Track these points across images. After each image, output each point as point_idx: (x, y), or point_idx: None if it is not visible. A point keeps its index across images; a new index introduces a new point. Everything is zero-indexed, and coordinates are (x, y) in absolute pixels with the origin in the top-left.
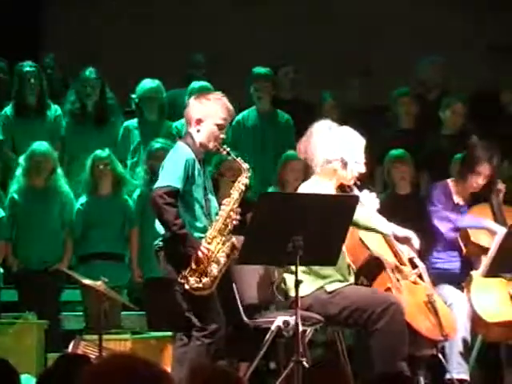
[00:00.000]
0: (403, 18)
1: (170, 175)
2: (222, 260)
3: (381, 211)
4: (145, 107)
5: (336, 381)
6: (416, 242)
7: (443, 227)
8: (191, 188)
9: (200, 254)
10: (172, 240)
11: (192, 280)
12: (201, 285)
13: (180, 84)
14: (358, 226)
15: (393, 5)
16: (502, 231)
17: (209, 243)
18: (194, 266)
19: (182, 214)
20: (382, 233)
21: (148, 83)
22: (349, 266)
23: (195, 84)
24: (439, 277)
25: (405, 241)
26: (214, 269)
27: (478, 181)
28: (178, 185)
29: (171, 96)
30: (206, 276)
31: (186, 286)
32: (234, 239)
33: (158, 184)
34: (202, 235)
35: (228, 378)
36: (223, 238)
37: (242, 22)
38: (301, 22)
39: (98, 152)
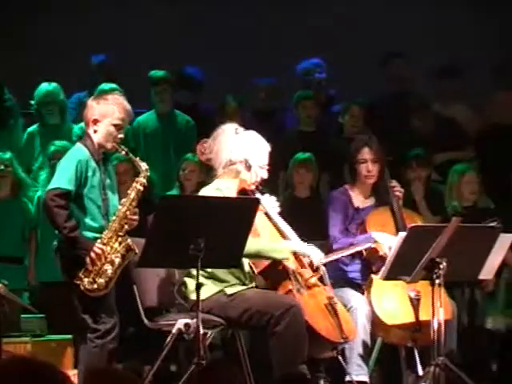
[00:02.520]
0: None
1: (61, 177)
2: (117, 261)
3: (280, 214)
4: (44, 111)
5: (226, 382)
6: (315, 258)
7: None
8: (85, 188)
9: (93, 254)
10: (65, 242)
11: (86, 281)
12: (95, 286)
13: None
14: (257, 257)
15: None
16: (401, 235)
17: (104, 244)
18: (88, 268)
19: (77, 214)
20: (280, 259)
21: (44, 87)
22: (250, 268)
23: (104, 86)
24: (339, 279)
25: (303, 258)
26: (109, 270)
27: (367, 168)
28: (69, 186)
29: (78, 99)
30: (101, 277)
31: (81, 287)
32: (129, 240)
33: (49, 186)
34: (98, 235)
35: (123, 380)
36: (119, 239)
37: (151, 23)
38: (200, 22)
39: None
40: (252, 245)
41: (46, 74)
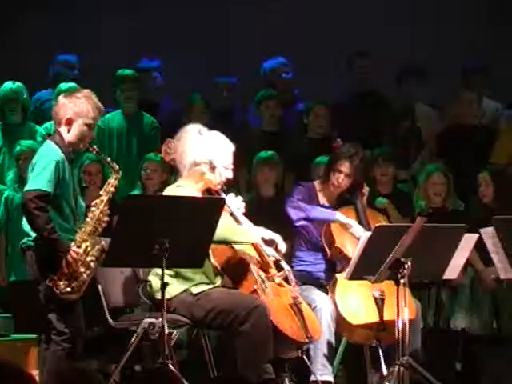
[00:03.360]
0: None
1: (41, 178)
2: (92, 264)
3: (245, 214)
4: (6, 109)
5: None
6: (282, 245)
7: (294, 215)
8: (61, 189)
9: (70, 258)
10: (43, 243)
11: (61, 284)
12: (69, 289)
13: (47, 85)
14: (225, 242)
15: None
16: (365, 234)
17: (78, 246)
18: (63, 270)
19: (52, 215)
20: (248, 243)
21: (8, 85)
22: (215, 268)
23: (63, 86)
24: (304, 279)
25: (271, 243)
26: (84, 273)
27: (338, 179)
28: (49, 188)
29: (38, 98)
30: (76, 280)
31: (56, 290)
32: (103, 242)
33: (28, 187)
34: (72, 237)
35: (87, 381)
36: (93, 241)
37: (113, 23)
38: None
39: None
40: (219, 230)
41: (11, 74)
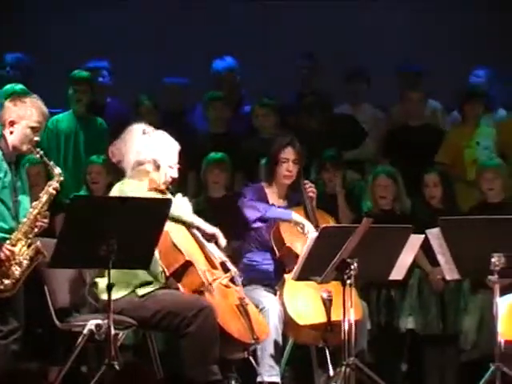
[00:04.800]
0: None
1: None
2: (25, 263)
3: (195, 214)
4: None
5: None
6: (222, 240)
7: (251, 215)
8: None
9: (2, 255)
10: None
11: None
12: (2, 287)
13: None
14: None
15: None
16: (312, 235)
17: (13, 245)
18: None
19: None
20: (187, 221)
21: None
22: (161, 269)
23: (9, 87)
24: (252, 279)
25: (212, 238)
26: (16, 271)
27: (288, 168)
28: None
29: None
30: (8, 278)
31: None
32: (38, 242)
33: None
34: (7, 236)
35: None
36: (28, 241)
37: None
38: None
39: None
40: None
41: None
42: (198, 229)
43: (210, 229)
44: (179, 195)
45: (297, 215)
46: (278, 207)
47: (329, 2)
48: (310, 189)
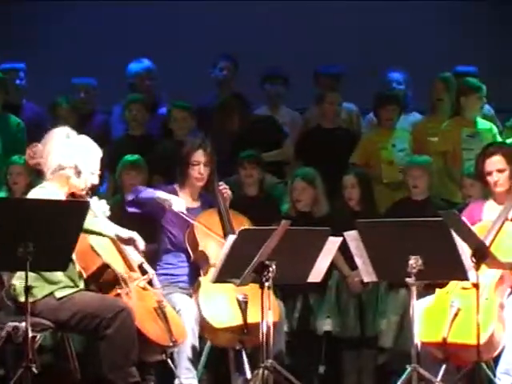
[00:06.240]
0: None
1: None
2: None
3: (111, 217)
4: None
5: None
6: (140, 243)
7: (127, 196)
8: None
9: None
10: None
11: None
12: None
13: None
14: (84, 231)
15: None
16: (231, 238)
17: None
18: None
19: None
20: (106, 235)
21: None
22: (79, 271)
23: None
24: (169, 282)
25: (129, 242)
26: None
27: (199, 170)
28: None
29: None
30: None
31: None
32: None
33: None
34: None
35: None
36: None
37: None
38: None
39: None
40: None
41: None
42: (116, 236)
43: (127, 233)
44: (95, 198)
45: (162, 193)
46: (192, 209)
47: (244, 2)
48: (225, 190)
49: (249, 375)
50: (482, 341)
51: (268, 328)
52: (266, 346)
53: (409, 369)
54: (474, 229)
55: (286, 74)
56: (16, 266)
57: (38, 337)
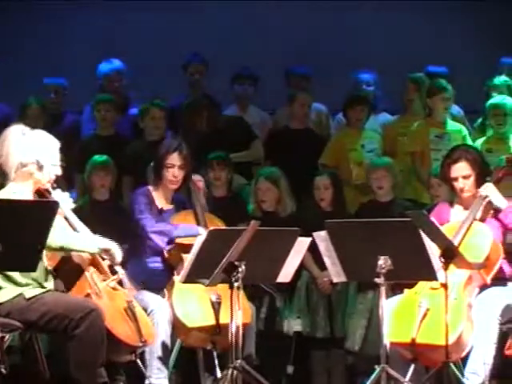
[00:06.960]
0: None
1: None
2: None
3: (80, 217)
4: None
5: None
6: (118, 254)
7: (160, 241)
8: None
9: None
10: None
11: None
12: None
13: None
14: (64, 249)
15: None
16: (200, 238)
17: None
18: None
19: None
20: (88, 252)
21: None
22: (49, 271)
23: None
24: (140, 281)
25: (106, 253)
26: None
27: (174, 173)
28: None
29: None
30: None
31: None
32: None
33: None
34: None
35: None
36: None
37: None
38: None
39: None
40: (58, 237)
41: None
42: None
43: (106, 244)
44: (58, 191)
45: (201, 229)
46: (167, 210)
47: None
48: (200, 182)
49: (218, 375)
50: (451, 341)
51: (237, 328)
52: (235, 346)
53: (378, 369)
54: (443, 229)
55: (256, 74)
56: None
57: (7, 337)
